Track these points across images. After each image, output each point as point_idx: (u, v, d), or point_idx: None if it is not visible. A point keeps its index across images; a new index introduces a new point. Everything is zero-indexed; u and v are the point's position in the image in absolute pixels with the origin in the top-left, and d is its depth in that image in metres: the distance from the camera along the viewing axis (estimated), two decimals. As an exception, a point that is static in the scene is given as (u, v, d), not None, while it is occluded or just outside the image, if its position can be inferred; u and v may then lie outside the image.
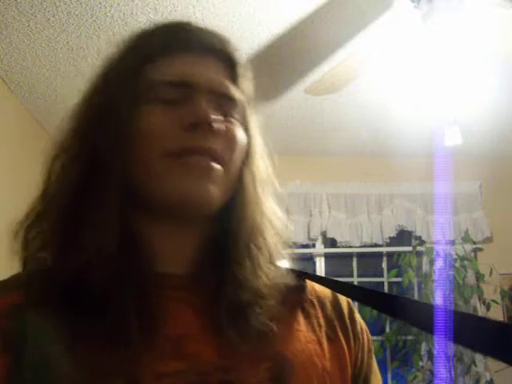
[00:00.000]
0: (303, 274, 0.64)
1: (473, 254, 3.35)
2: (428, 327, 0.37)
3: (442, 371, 2.87)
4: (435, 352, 2.94)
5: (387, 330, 3.27)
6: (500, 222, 3.43)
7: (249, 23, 2.07)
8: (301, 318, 0.60)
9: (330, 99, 2.65)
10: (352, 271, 3.57)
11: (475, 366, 2.97)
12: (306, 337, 0.58)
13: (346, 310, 0.64)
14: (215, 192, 0.55)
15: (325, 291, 0.64)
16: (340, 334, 0.61)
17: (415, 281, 3.20)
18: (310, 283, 0.64)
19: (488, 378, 3.02)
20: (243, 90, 0.62)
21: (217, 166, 0.56)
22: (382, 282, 3.51)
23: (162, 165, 0.54)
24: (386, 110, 2.81)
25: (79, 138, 0.57)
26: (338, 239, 3.40)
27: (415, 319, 0.43)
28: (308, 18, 2.02)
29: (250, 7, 1.97)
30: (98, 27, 2.07)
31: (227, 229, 0.58)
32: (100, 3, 1.93)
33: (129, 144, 0.54)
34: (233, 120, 0.59)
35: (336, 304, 0.64)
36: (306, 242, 3.44)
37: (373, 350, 0.65)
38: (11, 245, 0.57)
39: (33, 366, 0.47)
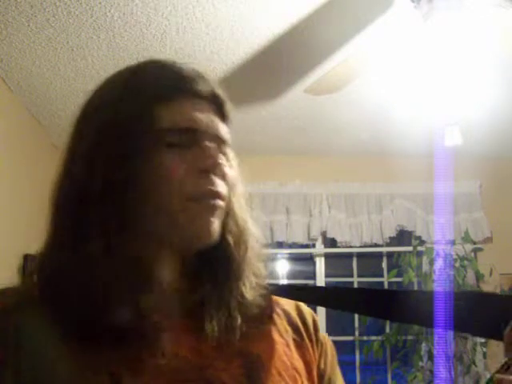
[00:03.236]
0: (292, 287, 0.70)
1: (473, 254, 3.35)
2: (428, 319, 0.38)
3: (441, 371, 2.87)
4: (435, 352, 2.94)
5: (387, 329, 3.27)
6: (500, 222, 3.43)
7: (249, 23, 2.07)
8: (269, 326, 0.65)
9: (330, 99, 2.65)
10: (352, 271, 3.57)
11: (475, 366, 2.97)
12: (275, 339, 0.64)
13: (310, 320, 0.70)
14: (218, 227, 0.61)
15: (289, 303, 0.70)
16: (305, 338, 0.68)
17: (415, 281, 3.20)
18: (274, 297, 0.70)
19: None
20: (229, 128, 0.67)
21: (221, 205, 0.62)
22: (382, 282, 3.51)
23: (177, 208, 0.59)
24: (386, 110, 2.81)
25: (96, 179, 0.59)
26: (338, 239, 3.40)
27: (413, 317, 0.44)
28: (308, 17, 2.02)
29: (250, 7, 1.97)
30: (98, 27, 2.07)
31: (222, 248, 0.63)
32: (100, 3, 1.93)
33: (144, 186, 0.58)
34: (228, 159, 0.65)
35: (300, 314, 0.70)
36: (306, 242, 3.44)
37: (336, 357, 0.71)
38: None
39: (27, 364, 0.50)
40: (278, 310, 0.68)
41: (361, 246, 3.44)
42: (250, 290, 0.63)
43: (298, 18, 2.03)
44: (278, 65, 2.36)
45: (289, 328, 0.67)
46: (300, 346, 0.66)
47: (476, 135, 3.03)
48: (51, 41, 2.15)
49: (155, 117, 0.59)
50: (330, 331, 3.34)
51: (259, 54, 2.27)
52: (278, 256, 3.59)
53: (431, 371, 2.99)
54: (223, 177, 0.62)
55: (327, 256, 3.54)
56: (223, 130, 0.64)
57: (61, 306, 0.53)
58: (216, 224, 0.61)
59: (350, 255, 3.55)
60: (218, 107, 0.65)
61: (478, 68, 2.29)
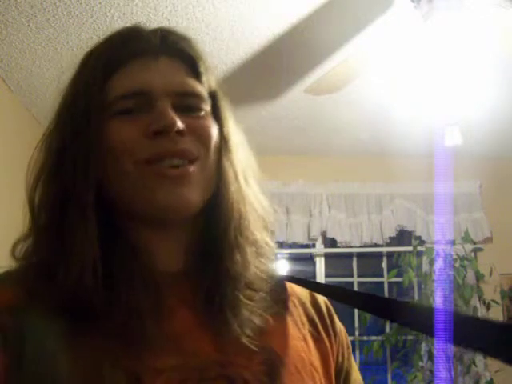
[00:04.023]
0: (292, 278, 0.66)
1: (473, 254, 3.35)
2: (429, 330, 0.37)
3: (441, 371, 2.86)
4: (435, 352, 2.94)
5: (387, 330, 3.27)
6: (500, 221, 3.43)
7: (249, 23, 2.07)
8: (285, 316, 0.61)
9: (330, 99, 2.65)
10: (352, 271, 3.57)
11: (475, 366, 2.97)
12: (292, 333, 0.60)
13: (324, 309, 0.66)
14: (193, 195, 0.56)
15: (303, 291, 0.66)
16: (322, 331, 0.63)
17: (415, 281, 3.20)
18: (288, 284, 0.65)
19: (488, 378, 3.02)
20: (208, 82, 0.62)
21: (192, 168, 0.56)
22: (382, 282, 3.51)
23: (135, 176, 0.55)
24: (385, 110, 2.81)
25: (54, 157, 0.58)
26: (338, 239, 3.40)
27: (415, 323, 0.43)
28: (308, 18, 2.02)
29: (250, 7, 1.97)
30: (98, 27, 2.07)
31: (215, 224, 0.59)
32: (100, 3, 1.93)
33: (101, 161, 0.56)
34: (201, 114, 0.59)
35: (315, 303, 0.66)
36: (306, 241, 3.44)
37: (351, 348, 0.68)
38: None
39: (33, 363, 0.48)
40: (294, 299, 0.64)
41: (361, 246, 3.44)
42: (249, 270, 0.58)
43: (298, 18, 2.03)
44: (278, 65, 2.36)
45: (305, 319, 0.63)
46: (317, 339, 0.62)
47: (476, 135, 3.03)
48: (51, 41, 2.15)
49: (106, 88, 0.57)
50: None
51: (259, 53, 2.27)
52: (278, 256, 3.59)
53: (431, 371, 2.99)
54: (190, 133, 0.57)
55: (327, 256, 3.54)
56: (188, 84, 0.59)
57: (58, 297, 0.51)
58: (187, 194, 0.56)
59: (350, 255, 3.55)
60: (187, 62, 0.61)
61: (478, 68, 2.29)
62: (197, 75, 0.61)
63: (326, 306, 0.67)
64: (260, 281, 0.59)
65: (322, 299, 0.67)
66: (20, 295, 0.52)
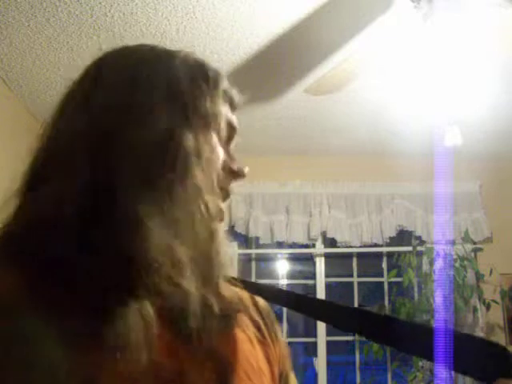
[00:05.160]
0: (244, 281, 0.66)
1: (473, 254, 3.35)
2: (428, 356, 0.36)
3: (441, 371, 2.87)
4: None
5: (387, 329, 3.27)
6: (500, 222, 3.43)
7: (249, 23, 2.07)
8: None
9: (330, 99, 2.65)
10: (352, 271, 3.57)
11: (475, 365, 2.97)
12: (239, 337, 0.60)
13: (265, 310, 0.67)
14: None
15: (243, 293, 0.66)
16: (265, 333, 0.65)
17: (415, 281, 3.20)
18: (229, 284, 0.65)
19: (488, 378, 3.02)
20: None
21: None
22: (382, 282, 3.51)
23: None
24: (385, 110, 2.82)
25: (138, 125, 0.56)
26: (338, 239, 3.40)
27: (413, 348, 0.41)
28: (308, 18, 2.02)
29: (250, 7, 1.97)
30: (98, 27, 2.07)
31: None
32: (100, 3, 1.93)
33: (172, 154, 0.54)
34: None
35: (256, 304, 0.67)
36: (306, 241, 3.44)
37: (289, 356, 0.69)
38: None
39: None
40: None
41: (361, 246, 3.44)
42: (226, 286, 0.60)
43: (298, 18, 2.03)
44: (277, 65, 2.36)
45: (248, 322, 0.63)
46: (262, 343, 0.63)
47: (476, 135, 3.03)
48: (51, 41, 2.15)
49: (213, 100, 0.61)
50: (329, 331, 3.35)
51: (259, 54, 2.27)
52: (278, 256, 3.59)
53: (431, 371, 2.99)
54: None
55: (327, 256, 3.54)
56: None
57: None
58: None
59: (350, 255, 3.55)
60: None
61: (478, 68, 2.29)
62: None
63: (267, 308, 0.68)
64: (226, 292, 0.59)
65: (262, 302, 0.67)
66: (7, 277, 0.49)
